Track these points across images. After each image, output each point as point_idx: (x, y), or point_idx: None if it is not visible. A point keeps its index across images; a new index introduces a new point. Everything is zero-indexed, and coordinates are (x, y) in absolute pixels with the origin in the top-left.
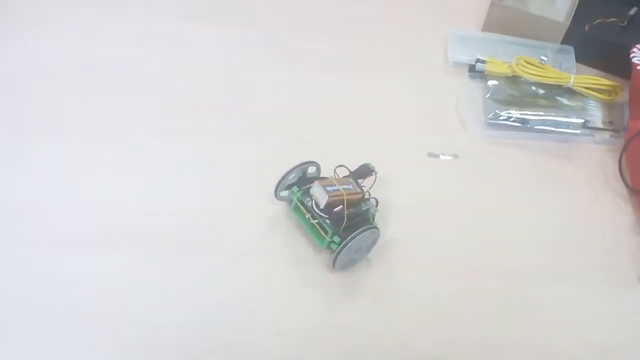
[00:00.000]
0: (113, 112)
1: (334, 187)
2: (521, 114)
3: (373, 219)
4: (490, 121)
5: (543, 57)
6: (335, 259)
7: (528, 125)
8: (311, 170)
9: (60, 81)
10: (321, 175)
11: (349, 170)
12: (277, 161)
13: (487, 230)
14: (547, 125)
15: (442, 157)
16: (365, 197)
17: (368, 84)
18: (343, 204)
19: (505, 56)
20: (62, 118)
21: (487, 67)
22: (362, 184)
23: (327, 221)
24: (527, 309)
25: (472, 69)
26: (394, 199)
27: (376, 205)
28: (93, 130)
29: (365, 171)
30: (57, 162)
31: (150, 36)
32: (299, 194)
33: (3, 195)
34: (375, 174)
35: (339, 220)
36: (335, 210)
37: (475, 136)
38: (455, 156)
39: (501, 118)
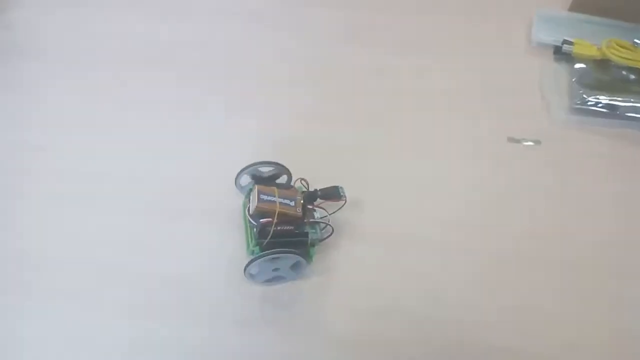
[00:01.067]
0: None
1: (271, 197)
2: (610, 100)
3: (313, 245)
4: (577, 106)
5: (636, 40)
6: (245, 268)
7: (617, 112)
8: (283, 178)
9: None
10: (297, 183)
11: (313, 188)
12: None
13: (572, 220)
14: (638, 113)
15: (524, 142)
16: (313, 220)
17: (447, 62)
18: (273, 217)
19: (594, 38)
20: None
21: (575, 49)
22: (320, 206)
23: (255, 229)
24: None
25: (557, 50)
26: (470, 183)
27: (329, 234)
28: None
29: (332, 194)
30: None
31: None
32: (249, 191)
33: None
34: (345, 200)
35: (264, 231)
36: (261, 220)
37: (559, 121)
38: (537, 142)
39: (588, 103)
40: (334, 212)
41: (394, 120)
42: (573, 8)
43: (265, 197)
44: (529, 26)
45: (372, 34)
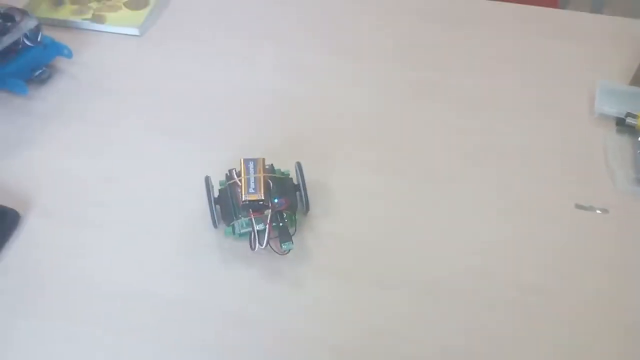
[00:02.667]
0: None
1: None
2: None
3: None
4: None
5: None
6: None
7: None
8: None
9: None
10: None
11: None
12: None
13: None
14: None
15: (593, 210)
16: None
17: (511, 124)
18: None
19: None
20: None
21: (639, 122)
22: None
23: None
24: None
25: (620, 122)
26: (534, 246)
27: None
28: None
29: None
30: None
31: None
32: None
33: None
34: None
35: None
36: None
37: (625, 192)
38: (605, 211)
39: None
40: None
41: (461, 176)
42: (634, 82)
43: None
44: (591, 95)
45: (443, 92)
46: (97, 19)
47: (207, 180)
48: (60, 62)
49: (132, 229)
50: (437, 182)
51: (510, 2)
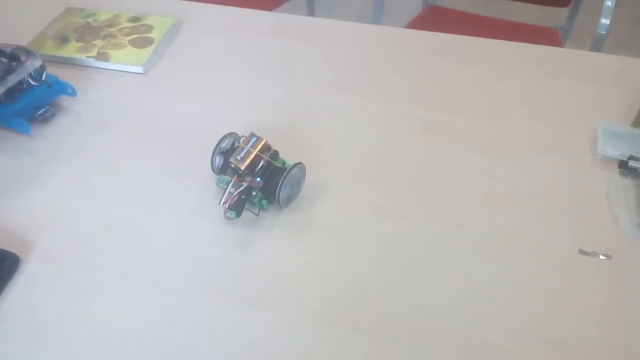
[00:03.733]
0: None
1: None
2: None
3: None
4: None
5: None
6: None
7: None
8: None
9: None
10: None
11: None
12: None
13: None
14: None
15: (596, 256)
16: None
17: (514, 166)
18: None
19: None
20: None
21: None
22: None
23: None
24: None
25: (623, 164)
26: (535, 293)
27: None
28: None
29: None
30: None
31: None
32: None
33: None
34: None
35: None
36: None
37: (629, 236)
38: (609, 256)
39: None
40: None
41: (461, 217)
42: (636, 124)
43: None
44: (594, 137)
45: (447, 131)
46: (102, 56)
47: (227, 135)
48: (64, 100)
49: (135, 272)
50: (437, 222)
51: (515, 40)
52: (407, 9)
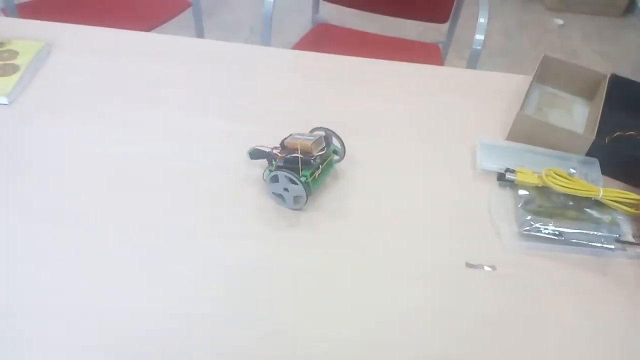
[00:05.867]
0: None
1: (307, 137)
2: (556, 227)
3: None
4: (525, 232)
5: (572, 170)
6: (344, 150)
7: (562, 238)
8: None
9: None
10: None
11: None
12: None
13: (522, 344)
14: (581, 239)
15: (482, 268)
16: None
17: (399, 186)
18: (320, 134)
19: (532, 165)
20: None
21: (518, 177)
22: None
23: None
24: None
25: (501, 177)
26: (428, 307)
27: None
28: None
29: (257, 154)
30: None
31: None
32: (307, 171)
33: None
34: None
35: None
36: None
37: (510, 247)
38: (493, 267)
39: (536, 229)
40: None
41: (344, 241)
42: (511, 137)
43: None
44: (474, 152)
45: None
46: None
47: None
48: None
49: None
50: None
51: (399, 56)
52: (296, 26)
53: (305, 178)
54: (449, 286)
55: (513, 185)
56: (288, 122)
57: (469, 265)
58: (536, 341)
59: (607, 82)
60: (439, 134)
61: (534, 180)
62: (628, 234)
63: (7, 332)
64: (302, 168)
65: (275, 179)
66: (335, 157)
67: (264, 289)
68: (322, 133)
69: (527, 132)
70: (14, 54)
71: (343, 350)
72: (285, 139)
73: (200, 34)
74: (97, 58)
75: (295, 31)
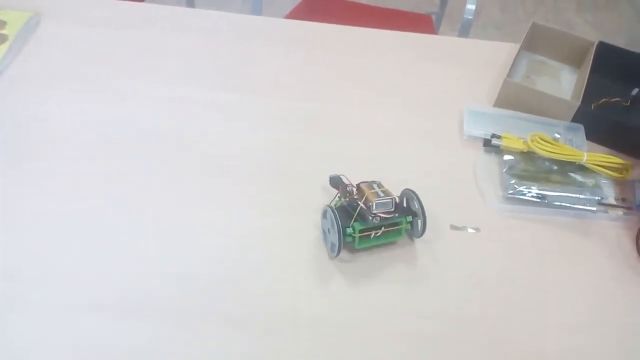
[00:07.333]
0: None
1: (379, 191)
2: (539, 190)
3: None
4: (509, 195)
5: (557, 135)
6: (424, 228)
7: (546, 201)
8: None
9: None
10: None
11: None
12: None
13: (507, 305)
14: (564, 202)
15: (466, 230)
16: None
17: (387, 152)
18: (392, 194)
19: (518, 131)
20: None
21: (503, 143)
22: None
23: (396, 215)
24: None
25: (487, 143)
26: (411, 267)
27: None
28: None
29: (338, 182)
30: (77, 223)
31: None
32: (357, 226)
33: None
34: (343, 176)
35: (401, 206)
36: (397, 202)
37: (494, 209)
38: (477, 229)
39: (519, 193)
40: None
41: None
42: (497, 104)
43: (382, 195)
44: (461, 119)
45: (319, 121)
46: None
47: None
48: None
49: None
50: (316, 213)
51: (392, 27)
52: None
53: (351, 230)
54: (432, 247)
55: (499, 150)
56: (279, 92)
57: (453, 228)
58: (518, 300)
59: (594, 49)
60: (427, 102)
61: (519, 145)
62: (610, 197)
63: (7, 295)
64: (355, 219)
65: (324, 215)
66: (408, 228)
67: (266, 256)
68: (395, 196)
69: (513, 98)
70: (2, 23)
71: None
72: (365, 182)
73: (190, 3)
74: (87, 28)
75: (287, 2)
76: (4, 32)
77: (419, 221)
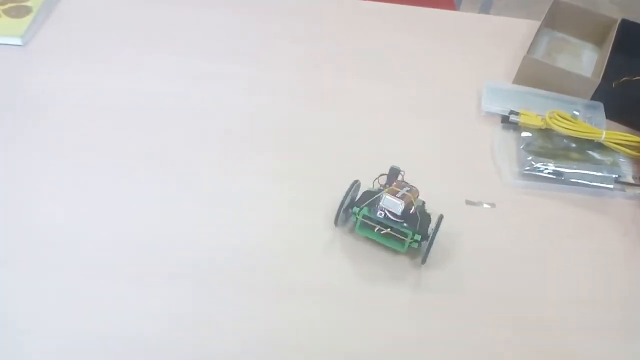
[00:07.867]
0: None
1: (401, 193)
2: (556, 167)
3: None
4: (526, 172)
5: (575, 112)
6: (427, 254)
7: (562, 178)
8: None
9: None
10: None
11: (386, 176)
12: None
13: (521, 280)
14: (581, 179)
15: (484, 205)
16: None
17: (404, 126)
18: (413, 205)
19: (536, 108)
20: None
21: (521, 119)
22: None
23: (404, 224)
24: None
25: (505, 119)
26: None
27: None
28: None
29: (394, 173)
30: (98, 192)
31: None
32: (364, 210)
33: (44, 225)
34: (402, 173)
35: (414, 220)
36: (410, 212)
37: (510, 185)
38: (492, 205)
39: (536, 169)
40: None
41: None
42: (517, 81)
43: (400, 195)
44: (480, 95)
45: (338, 97)
46: None
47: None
48: None
49: None
50: (337, 188)
51: (408, 4)
52: None
53: (356, 210)
54: (447, 221)
55: (516, 127)
56: (295, 66)
57: (468, 203)
58: (532, 276)
59: (617, 27)
60: (446, 77)
61: (537, 122)
62: (628, 175)
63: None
64: (368, 204)
65: (350, 189)
66: (414, 245)
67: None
68: (414, 207)
69: (533, 75)
70: None
71: None
72: (404, 182)
73: None
74: (112, 0)
75: None
76: (28, 4)
77: (426, 244)
